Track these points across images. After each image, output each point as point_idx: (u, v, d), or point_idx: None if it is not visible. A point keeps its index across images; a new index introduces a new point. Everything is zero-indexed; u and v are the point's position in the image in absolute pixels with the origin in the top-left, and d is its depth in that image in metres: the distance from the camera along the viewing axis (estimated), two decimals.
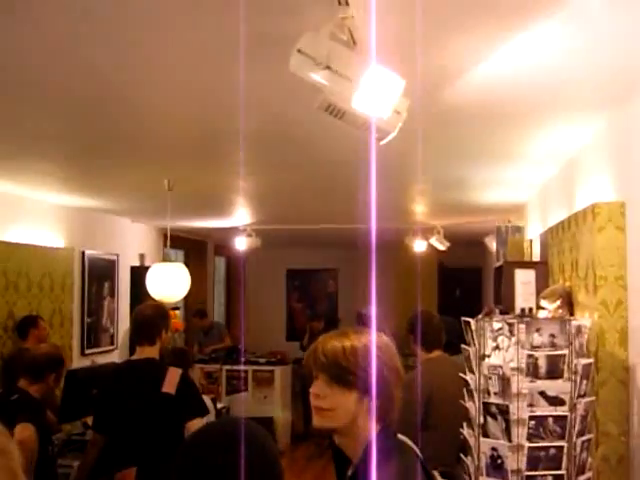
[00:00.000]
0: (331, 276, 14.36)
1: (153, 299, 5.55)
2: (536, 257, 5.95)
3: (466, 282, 13.22)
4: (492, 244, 7.64)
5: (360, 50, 2.17)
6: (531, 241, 6.35)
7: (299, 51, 2.10)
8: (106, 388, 3.93)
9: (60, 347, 4.72)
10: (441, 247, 9.52)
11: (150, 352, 3.89)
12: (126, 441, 3.71)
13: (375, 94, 2.04)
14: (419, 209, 8.15)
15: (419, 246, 9.71)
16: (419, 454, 1.94)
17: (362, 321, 9.13)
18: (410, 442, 1.96)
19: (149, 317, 3.91)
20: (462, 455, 3.25)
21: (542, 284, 4.69)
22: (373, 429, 1.85)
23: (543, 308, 4.10)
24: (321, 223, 9.21)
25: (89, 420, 4.59)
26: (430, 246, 9.71)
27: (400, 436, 1.93)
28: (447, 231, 9.37)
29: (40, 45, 2.72)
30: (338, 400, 1.86)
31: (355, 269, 12.24)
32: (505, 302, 4.80)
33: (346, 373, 1.84)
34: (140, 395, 3.76)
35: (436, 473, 1.99)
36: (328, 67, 2.07)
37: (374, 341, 1.89)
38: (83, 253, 7.74)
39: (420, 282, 11.46)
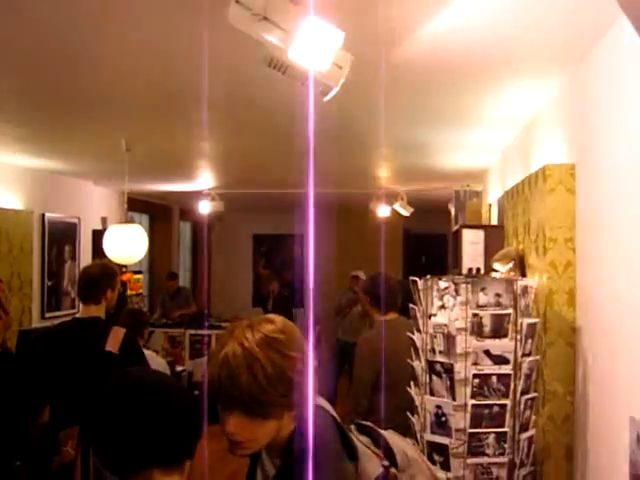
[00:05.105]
0: (298, 242, 14.32)
1: (111, 261, 5.50)
2: (494, 221, 5.98)
3: (431, 248, 13.27)
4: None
5: (300, 2, 2.13)
6: (490, 206, 6.38)
7: (237, 2, 2.06)
8: (50, 346, 3.90)
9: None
10: (405, 213, 9.53)
11: (95, 311, 3.88)
12: (69, 399, 3.69)
13: (312, 46, 2.01)
14: (382, 174, 8.13)
15: (383, 211, 9.70)
16: (334, 415, 1.77)
17: (355, 283, 9.19)
18: (327, 405, 1.78)
19: (94, 276, 3.90)
20: (409, 413, 3.28)
21: (497, 247, 4.73)
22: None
23: (496, 270, 4.13)
24: (287, 188, 9.16)
25: None
26: (394, 212, 9.71)
27: (319, 401, 1.76)
28: (412, 197, 9.37)
29: None
30: (259, 430, 1.67)
31: (322, 235, 12.21)
32: (459, 265, 4.83)
33: (266, 405, 1.63)
34: (83, 353, 3.75)
35: (353, 427, 1.91)
36: (265, 18, 2.03)
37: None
38: (43, 216, 7.65)
39: (385, 248, 11.50)
